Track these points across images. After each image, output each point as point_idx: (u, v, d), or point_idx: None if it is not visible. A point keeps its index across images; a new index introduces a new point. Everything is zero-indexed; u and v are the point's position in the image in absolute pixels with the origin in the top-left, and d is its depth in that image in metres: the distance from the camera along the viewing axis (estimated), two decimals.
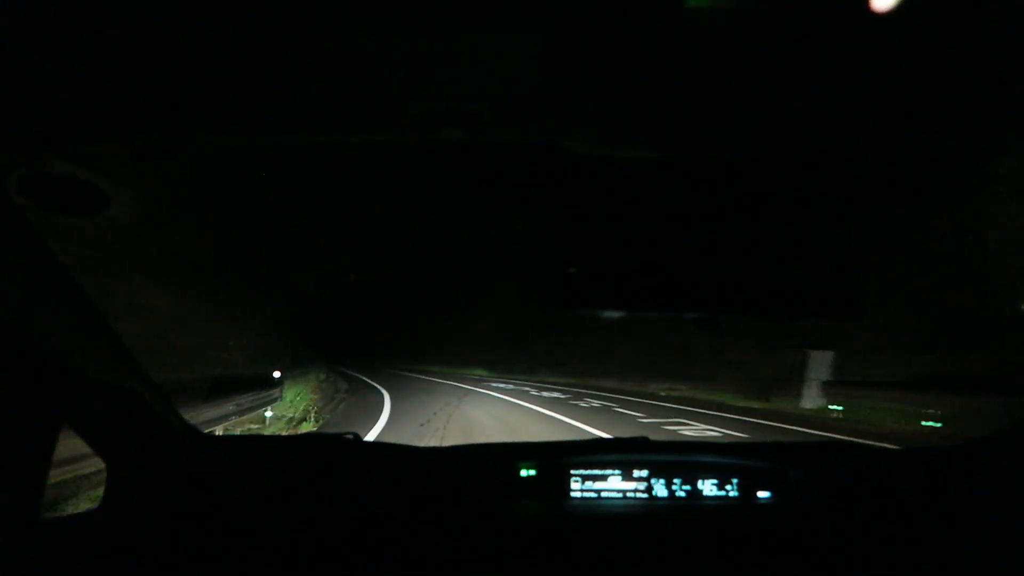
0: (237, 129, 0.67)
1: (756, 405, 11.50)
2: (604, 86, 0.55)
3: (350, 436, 1.40)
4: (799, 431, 8.04)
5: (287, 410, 9.56)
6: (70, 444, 1.11)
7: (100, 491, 1.14)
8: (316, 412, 9.36)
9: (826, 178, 0.94)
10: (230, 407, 6.85)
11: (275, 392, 9.46)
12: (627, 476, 1.41)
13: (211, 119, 0.62)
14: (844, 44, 0.50)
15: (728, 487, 1.40)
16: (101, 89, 0.56)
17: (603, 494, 1.40)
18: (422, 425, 7.77)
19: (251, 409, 7.66)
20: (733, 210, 0.96)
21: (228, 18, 0.47)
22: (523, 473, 1.37)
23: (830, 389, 10.46)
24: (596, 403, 11.91)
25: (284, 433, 6.92)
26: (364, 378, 20.21)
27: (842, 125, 0.65)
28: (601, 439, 1.57)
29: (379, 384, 16.89)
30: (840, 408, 9.86)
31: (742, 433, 7.64)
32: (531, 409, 10.38)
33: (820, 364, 10.80)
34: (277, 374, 10.05)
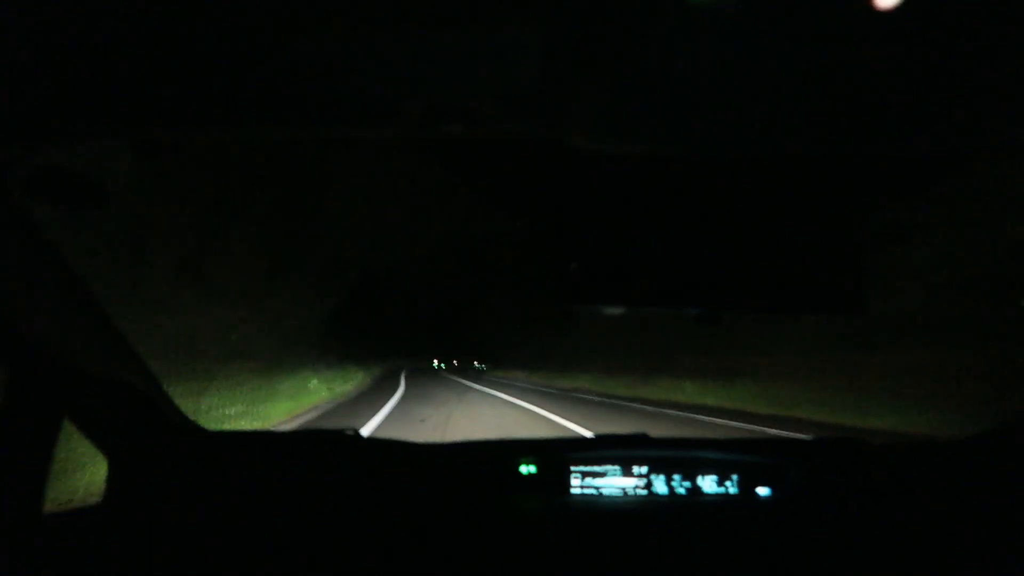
0: (237, 125, 0.67)
1: None
2: (606, 81, 0.55)
3: (350, 432, 1.41)
4: None
5: None
6: None
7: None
8: None
9: (828, 174, 0.94)
10: None
11: None
12: (627, 472, 1.41)
13: (212, 115, 0.62)
14: (848, 40, 0.49)
15: (728, 483, 1.40)
16: (102, 85, 0.56)
17: (603, 490, 1.40)
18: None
19: None
20: (734, 206, 0.96)
21: (229, 14, 0.47)
22: (523, 469, 1.37)
23: None
24: None
25: None
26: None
27: (845, 122, 0.64)
28: (601, 435, 1.57)
29: None
30: None
31: None
32: None
33: None
34: None
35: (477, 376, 29.47)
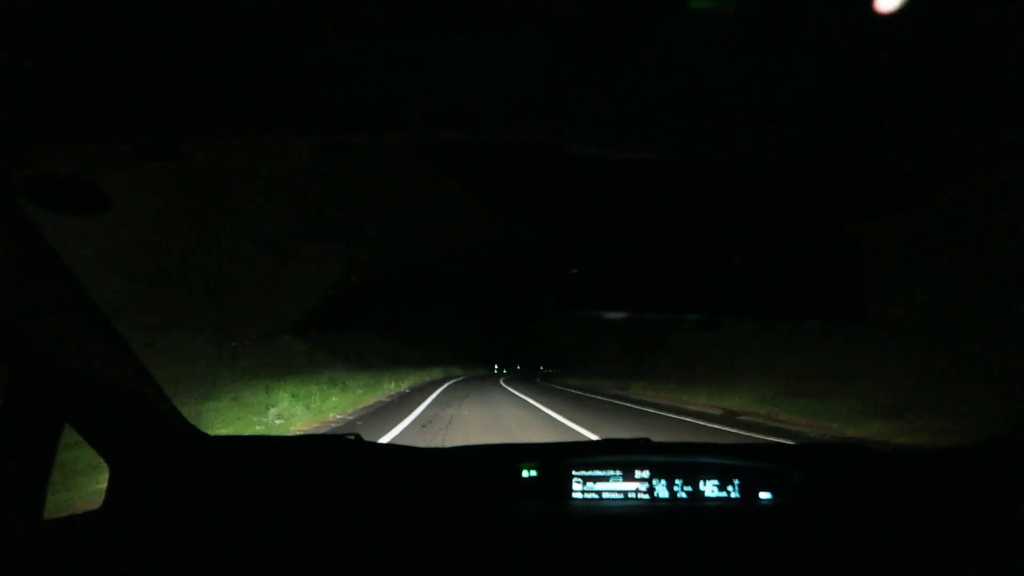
0: (240, 129, 0.67)
1: None
2: (607, 87, 0.55)
3: (351, 437, 1.40)
4: None
5: None
6: None
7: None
8: None
9: (827, 179, 0.94)
10: None
11: None
12: (629, 477, 1.41)
13: (214, 119, 0.63)
14: (847, 45, 0.50)
15: (730, 488, 1.40)
16: (104, 89, 0.56)
17: (604, 495, 1.40)
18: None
19: None
20: (734, 211, 0.96)
21: (231, 17, 0.47)
22: (524, 474, 1.37)
23: None
24: None
25: None
26: None
27: (844, 126, 0.65)
28: (603, 440, 1.57)
29: None
30: None
31: None
32: None
33: None
34: None
35: (545, 389, 19.86)
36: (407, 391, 15.12)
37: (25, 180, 0.72)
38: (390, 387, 14.76)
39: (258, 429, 7.17)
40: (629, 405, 13.01)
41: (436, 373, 26.00)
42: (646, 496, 1.40)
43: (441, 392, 15.70)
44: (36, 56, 0.51)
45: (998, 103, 0.58)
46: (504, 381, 28.25)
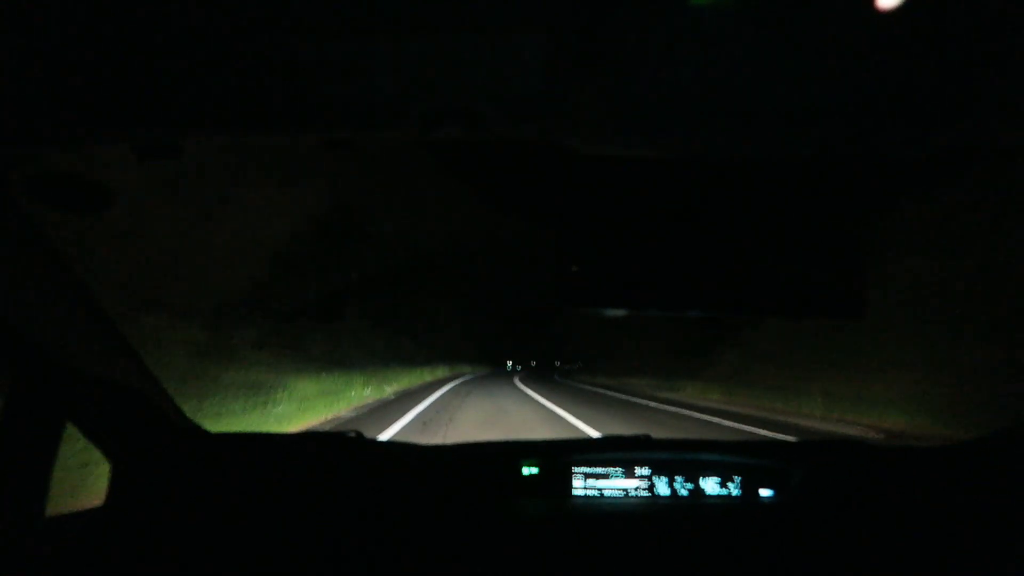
0: (239, 127, 0.67)
1: None
2: (606, 84, 0.55)
3: (352, 434, 1.41)
4: None
5: None
6: None
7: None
8: None
9: (827, 177, 0.94)
10: None
11: None
12: (629, 474, 1.41)
13: (213, 117, 0.63)
14: (846, 43, 0.50)
15: (731, 485, 1.40)
16: (104, 88, 0.56)
17: (605, 492, 1.40)
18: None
19: None
20: (734, 209, 0.96)
21: (231, 16, 0.47)
22: (525, 471, 1.37)
23: None
24: None
25: None
26: None
27: (844, 125, 0.65)
28: (604, 437, 1.57)
29: None
30: None
31: None
32: None
33: None
34: None
35: (571, 392, 16.39)
36: (392, 397, 11.68)
37: (25, 180, 0.72)
38: (363, 394, 10.49)
39: None
40: (712, 420, 8.97)
41: (440, 372, 23.64)
42: (647, 493, 1.41)
43: (437, 398, 12.10)
44: (36, 56, 0.51)
45: (1000, 101, 0.58)
46: (519, 380, 25.22)
